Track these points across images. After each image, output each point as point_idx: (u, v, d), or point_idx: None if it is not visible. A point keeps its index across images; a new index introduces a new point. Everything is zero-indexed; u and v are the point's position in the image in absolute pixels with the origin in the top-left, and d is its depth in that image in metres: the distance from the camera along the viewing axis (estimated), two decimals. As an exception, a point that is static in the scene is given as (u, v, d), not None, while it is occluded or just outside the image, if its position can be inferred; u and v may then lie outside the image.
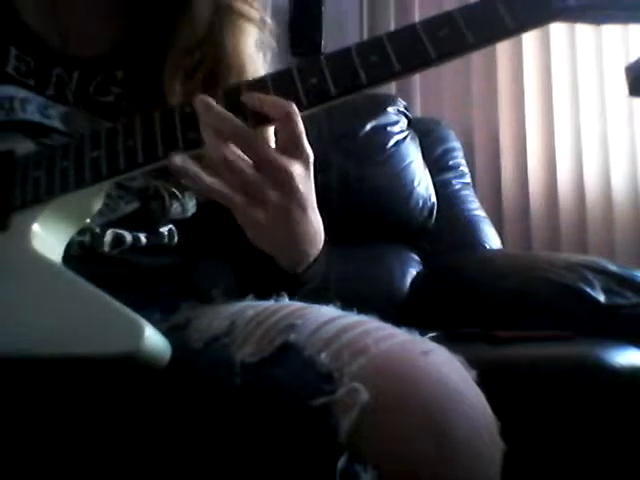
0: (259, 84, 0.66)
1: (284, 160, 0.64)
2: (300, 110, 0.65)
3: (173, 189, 0.80)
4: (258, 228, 0.67)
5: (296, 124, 0.64)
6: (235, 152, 0.63)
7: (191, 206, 0.82)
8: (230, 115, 0.64)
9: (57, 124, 0.79)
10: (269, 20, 0.84)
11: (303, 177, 0.66)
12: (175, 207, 0.81)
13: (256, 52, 0.82)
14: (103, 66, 0.82)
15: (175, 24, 0.80)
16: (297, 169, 0.65)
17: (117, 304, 0.60)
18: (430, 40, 0.62)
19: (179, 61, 0.79)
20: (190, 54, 0.79)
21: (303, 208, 0.68)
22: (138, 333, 0.58)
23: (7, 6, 0.82)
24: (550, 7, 0.61)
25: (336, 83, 0.64)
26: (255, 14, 0.82)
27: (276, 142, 0.67)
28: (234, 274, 0.85)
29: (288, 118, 0.63)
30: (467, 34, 0.62)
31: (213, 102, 0.64)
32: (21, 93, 0.79)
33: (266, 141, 0.65)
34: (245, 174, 0.63)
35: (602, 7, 0.62)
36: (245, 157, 0.63)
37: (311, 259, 0.73)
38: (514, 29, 0.62)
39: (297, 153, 0.65)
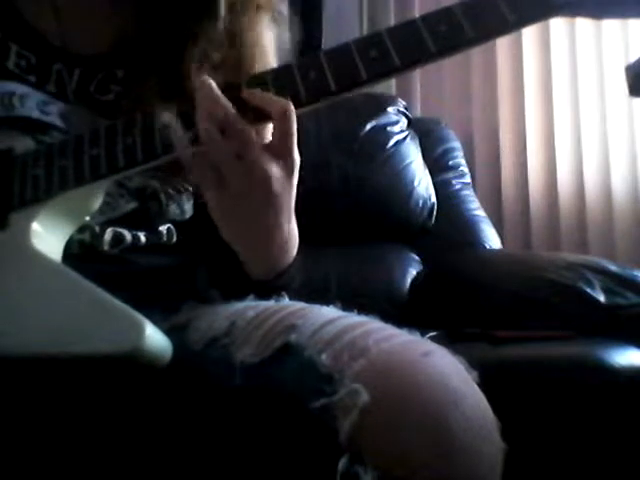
0: (258, 80, 0.66)
1: (266, 159, 0.64)
2: (300, 106, 0.65)
3: (170, 190, 0.80)
4: (229, 225, 0.69)
5: (291, 124, 0.64)
6: (224, 146, 0.63)
7: (188, 207, 0.82)
8: (224, 102, 0.64)
9: (56, 121, 0.78)
10: (285, 11, 0.84)
11: (281, 180, 0.65)
12: (173, 209, 0.81)
13: (271, 42, 0.82)
14: (104, 64, 0.82)
15: (195, 23, 0.80)
16: (276, 171, 0.65)
17: (117, 302, 0.60)
18: (430, 35, 0.62)
19: (204, 57, 0.78)
20: (210, 55, 0.79)
21: (277, 211, 0.68)
22: (139, 331, 0.58)
23: (7, 2, 0.82)
24: (550, 1, 0.61)
25: (336, 79, 0.64)
26: (273, 4, 0.82)
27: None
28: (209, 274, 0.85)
29: (284, 117, 0.63)
30: (467, 29, 0.62)
31: (213, 85, 0.64)
32: (21, 89, 0.79)
33: (252, 136, 0.64)
34: (227, 164, 0.64)
35: (602, 1, 0.62)
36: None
37: (281, 266, 0.73)
38: (514, 24, 0.62)
39: (284, 153, 0.65)
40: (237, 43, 0.80)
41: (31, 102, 0.78)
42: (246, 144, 0.64)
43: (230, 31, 0.79)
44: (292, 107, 0.64)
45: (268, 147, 0.66)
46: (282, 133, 0.64)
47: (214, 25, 0.78)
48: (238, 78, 0.69)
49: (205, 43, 0.78)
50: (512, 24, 0.62)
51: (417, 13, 2.21)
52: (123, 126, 0.69)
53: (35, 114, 0.78)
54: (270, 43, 0.83)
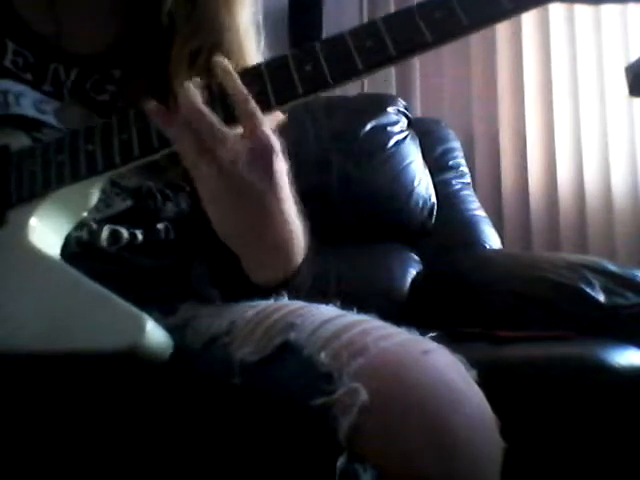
0: (254, 72, 0.66)
1: (227, 134, 0.64)
2: (297, 97, 0.64)
3: (166, 190, 0.80)
4: (216, 215, 0.68)
5: (252, 106, 0.64)
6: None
7: (185, 206, 0.82)
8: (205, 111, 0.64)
9: (51, 120, 0.79)
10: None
11: (247, 161, 0.64)
12: (170, 207, 0.81)
13: (252, 29, 0.82)
14: (101, 64, 0.82)
15: (171, 18, 0.80)
16: (239, 151, 0.64)
17: (117, 299, 0.60)
18: (426, 23, 0.61)
19: (181, 52, 0.79)
20: (189, 42, 0.79)
21: (254, 197, 0.66)
22: (140, 327, 0.58)
23: (3, 1, 0.82)
24: None
25: (331, 69, 0.63)
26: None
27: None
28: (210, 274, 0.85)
29: (247, 99, 0.64)
30: (462, 16, 0.60)
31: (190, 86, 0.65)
32: (17, 87, 0.79)
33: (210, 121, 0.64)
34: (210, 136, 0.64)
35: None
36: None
37: (283, 271, 0.72)
38: (511, 9, 0.60)
39: (252, 138, 0.64)
40: (216, 32, 0.79)
41: (27, 100, 0.78)
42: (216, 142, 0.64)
43: (207, 21, 0.79)
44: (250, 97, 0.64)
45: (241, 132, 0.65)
46: (245, 115, 0.64)
47: (185, 17, 0.79)
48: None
49: (185, 41, 0.78)
50: (508, 10, 0.60)
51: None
52: (118, 121, 0.69)
53: (31, 112, 0.78)
54: (250, 26, 0.82)
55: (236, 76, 0.65)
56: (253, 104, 0.64)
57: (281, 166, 0.66)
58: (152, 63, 0.80)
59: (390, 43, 0.62)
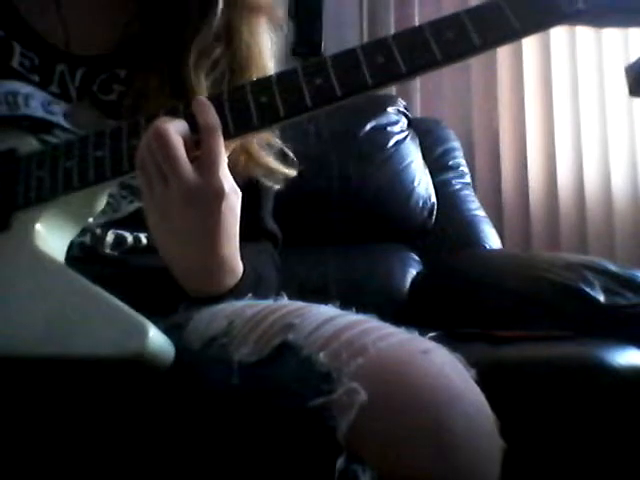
0: (264, 84, 0.66)
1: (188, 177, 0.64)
2: (305, 111, 0.65)
3: None
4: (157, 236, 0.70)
5: (214, 143, 0.65)
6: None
7: None
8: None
9: (61, 120, 0.79)
10: (281, 17, 0.85)
11: (179, 199, 0.65)
12: None
13: (269, 44, 0.83)
14: (106, 65, 0.82)
15: (190, 23, 0.80)
16: (177, 188, 0.65)
17: (120, 304, 0.60)
18: (436, 42, 0.63)
19: (202, 58, 0.79)
20: (209, 52, 0.79)
21: (176, 232, 0.68)
22: (142, 334, 0.57)
23: (8, 4, 0.82)
24: (557, 10, 0.61)
25: (341, 84, 0.64)
26: (266, 3, 0.83)
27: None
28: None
29: (210, 133, 0.65)
30: (474, 36, 0.62)
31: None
32: (25, 88, 0.79)
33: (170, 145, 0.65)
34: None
35: (607, 11, 0.62)
36: None
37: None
38: (521, 31, 0.62)
39: (205, 173, 0.65)
40: (234, 43, 0.80)
41: (35, 101, 0.79)
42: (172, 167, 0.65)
43: (228, 31, 0.80)
44: (219, 129, 0.64)
45: (197, 166, 0.66)
46: (206, 150, 0.65)
47: (211, 24, 0.79)
48: (235, 79, 0.69)
49: (202, 42, 0.78)
50: (519, 32, 0.62)
51: (417, 13, 2.21)
52: (128, 127, 0.69)
53: (40, 113, 0.79)
54: (267, 46, 0.83)
55: (212, 110, 0.65)
56: (219, 141, 0.65)
57: (227, 212, 0.67)
58: (161, 63, 0.80)
59: (401, 60, 0.63)
